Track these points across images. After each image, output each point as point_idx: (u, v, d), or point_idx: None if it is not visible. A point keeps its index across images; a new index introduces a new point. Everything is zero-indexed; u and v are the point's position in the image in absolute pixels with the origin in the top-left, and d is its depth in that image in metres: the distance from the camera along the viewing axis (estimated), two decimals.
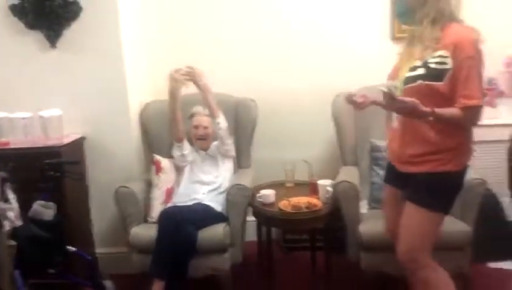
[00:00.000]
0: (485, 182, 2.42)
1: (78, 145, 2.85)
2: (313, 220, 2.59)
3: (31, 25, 2.77)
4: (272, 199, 2.65)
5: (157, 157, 2.88)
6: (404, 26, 2.99)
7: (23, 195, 2.18)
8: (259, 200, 2.65)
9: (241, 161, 3.04)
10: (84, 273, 2.60)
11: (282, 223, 2.69)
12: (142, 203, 2.72)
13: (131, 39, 2.94)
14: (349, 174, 2.68)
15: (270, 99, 3.15)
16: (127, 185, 2.67)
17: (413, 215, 1.87)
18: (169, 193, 2.81)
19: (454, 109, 1.74)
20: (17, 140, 2.70)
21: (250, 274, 2.90)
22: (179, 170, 2.89)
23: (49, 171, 2.41)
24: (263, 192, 2.67)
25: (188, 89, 2.81)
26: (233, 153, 2.89)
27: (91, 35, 2.79)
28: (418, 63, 1.80)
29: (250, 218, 2.80)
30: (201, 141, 2.85)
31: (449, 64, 1.74)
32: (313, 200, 2.61)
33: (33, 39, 2.80)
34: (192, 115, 2.84)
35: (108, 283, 2.56)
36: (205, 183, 2.76)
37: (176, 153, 2.84)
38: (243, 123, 3.01)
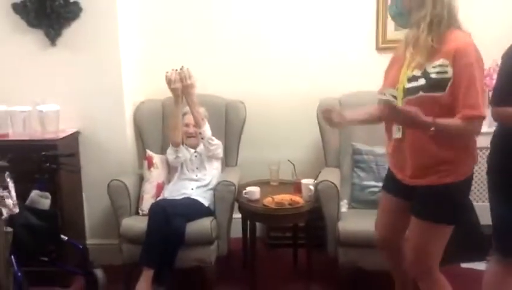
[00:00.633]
0: None
1: (73, 139, 2.91)
2: (295, 216, 2.70)
3: (32, 24, 2.84)
4: (257, 195, 2.72)
5: (150, 153, 2.97)
6: (390, 36, 3.15)
7: (20, 185, 2.23)
8: (245, 196, 2.72)
9: (229, 160, 3.12)
10: (75, 262, 2.68)
11: (266, 218, 2.78)
12: (133, 196, 2.80)
13: (128, 40, 3.02)
14: (330, 175, 2.76)
15: (259, 101, 3.21)
16: (120, 179, 2.75)
17: (418, 229, 1.83)
18: (160, 188, 2.91)
19: (456, 119, 1.67)
20: (16, 132, 2.76)
21: (234, 268, 3.00)
22: (171, 167, 2.98)
23: (45, 163, 2.51)
24: (249, 189, 2.75)
25: None
26: (221, 155, 2.97)
27: (90, 35, 2.86)
28: (417, 72, 1.73)
29: (237, 215, 2.88)
30: (191, 138, 2.94)
31: (449, 73, 1.67)
32: (296, 198, 2.68)
33: (34, 37, 2.86)
34: (184, 114, 2.93)
35: (98, 272, 2.61)
36: (194, 179, 2.86)
37: (171, 155, 2.91)
38: (231, 123, 3.10)
